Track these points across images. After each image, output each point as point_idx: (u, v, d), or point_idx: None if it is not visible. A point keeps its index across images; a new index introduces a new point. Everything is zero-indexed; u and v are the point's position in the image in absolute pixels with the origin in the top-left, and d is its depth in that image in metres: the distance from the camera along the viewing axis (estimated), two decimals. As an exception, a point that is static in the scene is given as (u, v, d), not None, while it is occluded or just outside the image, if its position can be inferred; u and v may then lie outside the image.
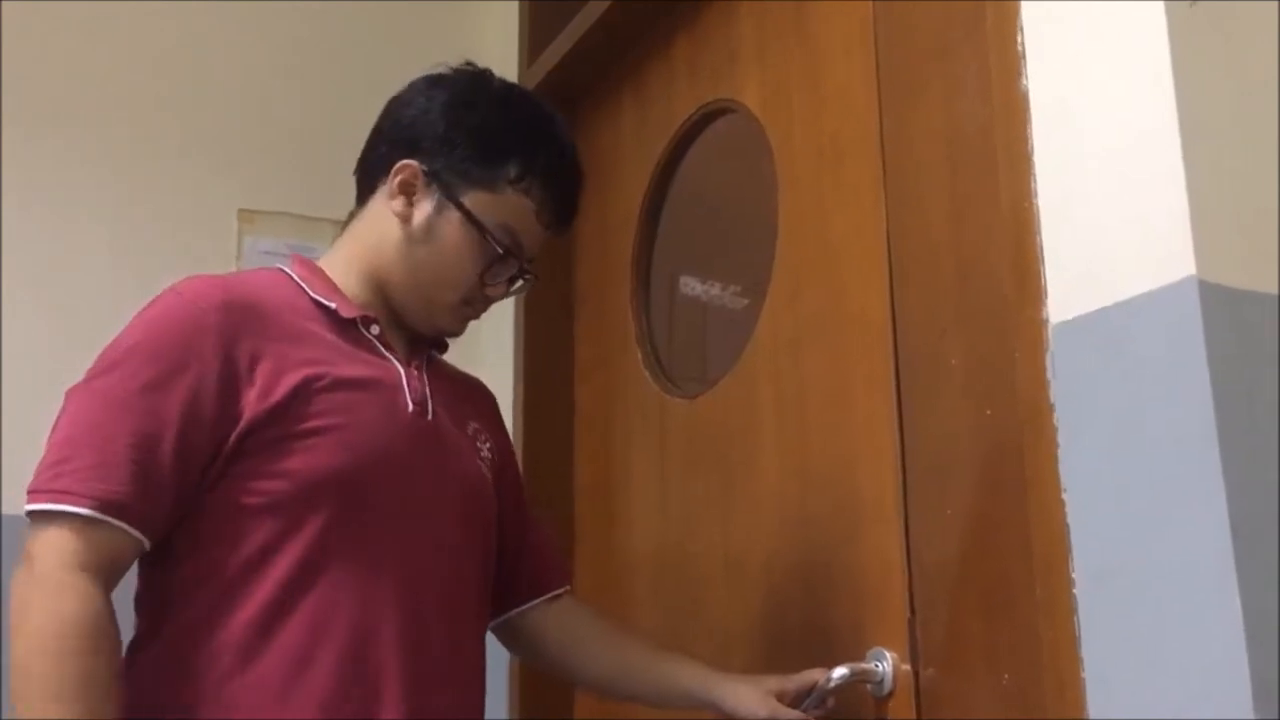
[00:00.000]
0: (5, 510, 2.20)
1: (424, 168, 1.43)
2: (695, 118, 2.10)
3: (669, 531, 2.01)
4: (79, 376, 2.37)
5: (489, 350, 2.62)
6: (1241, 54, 1.19)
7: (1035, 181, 1.28)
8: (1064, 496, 1.20)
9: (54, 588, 1.22)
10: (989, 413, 1.32)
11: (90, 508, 1.25)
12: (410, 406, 1.39)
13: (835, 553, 1.61)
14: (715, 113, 2.07)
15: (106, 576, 1.26)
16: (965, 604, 1.34)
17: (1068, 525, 1.19)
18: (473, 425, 1.51)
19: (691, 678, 1.49)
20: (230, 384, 1.31)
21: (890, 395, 1.49)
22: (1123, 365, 1.15)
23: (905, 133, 1.52)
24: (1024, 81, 1.31)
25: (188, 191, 2.48)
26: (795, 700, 1.43)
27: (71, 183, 2.40)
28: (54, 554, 1.24)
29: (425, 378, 1.44)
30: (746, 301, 1.94)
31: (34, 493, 1.28)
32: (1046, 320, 1.24)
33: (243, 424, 1.30)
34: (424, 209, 1.42)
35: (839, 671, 1.42)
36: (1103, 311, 1.18)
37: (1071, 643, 1.17)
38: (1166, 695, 1.08)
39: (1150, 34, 1.17)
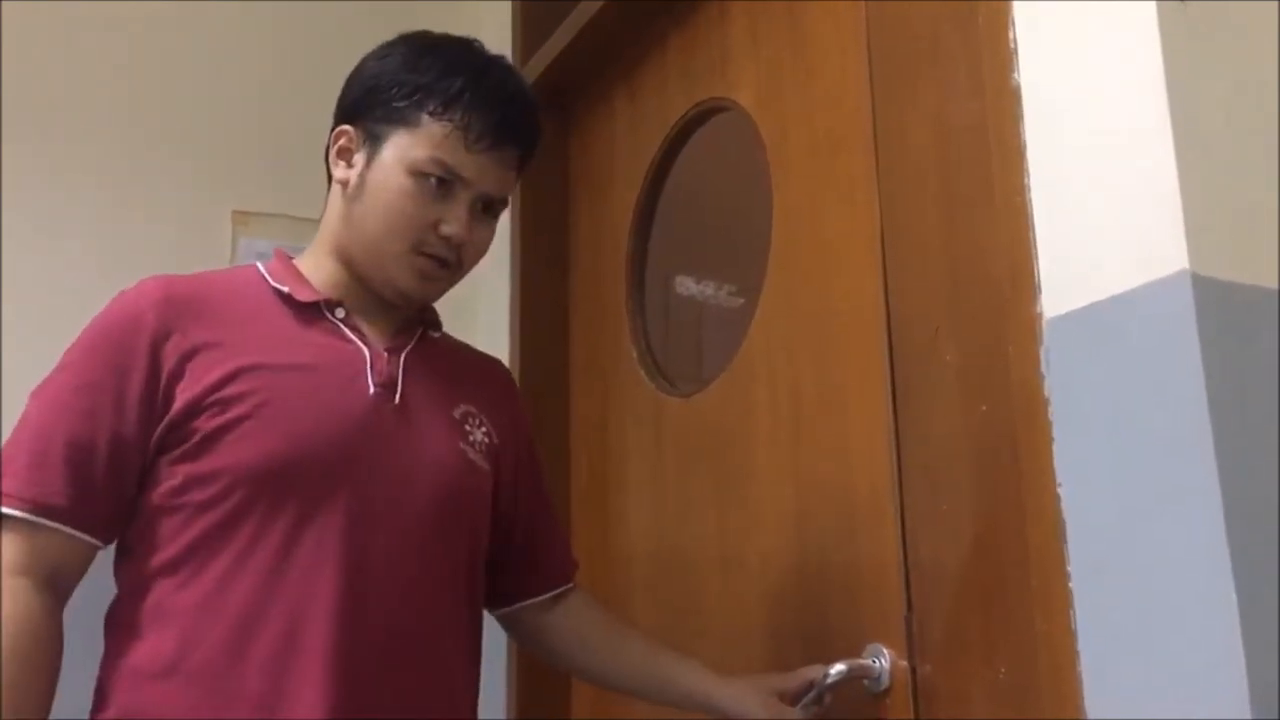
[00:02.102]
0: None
1: (354, 129, 1.41)
2: (689, 116, 2.10)
3: (665, 530, 2.01)
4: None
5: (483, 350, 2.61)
6: (1233, 46, 1.19)
7: (1028, 177, 1.28)
8: (1059, 490, 1.20)
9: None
10: (984, 408, 1.32)
11: (25, 510, 1.26)
12: (372, 389, 1.36)
13: (831, 550, 1.61)
14: (709, 111, 2.07)
15: (47, 579, 1.28)
16: (961, 599, 1.34)
17: (1063, 519, 1.19)
18: (463, 408, 1.46)
19: (691, 679, 1.48)
20: (160, 380, 1.30)
21: (885, 391, 1.49)
22: (1117, 359, 1.15)
23: (898, 129, 1.52)
24: (1016, 77, 1.32)
25: (182, 193, 2.48)
26: (794, 698, 1.43)
27: (67, 184, 2.40)
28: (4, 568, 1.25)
29: (403, 360, 1.41)
30: (742, 301, 1.95)
31: None
32: (1040, 315, 1.24)
33: (170, 417, 1.29)
34: (358, 165, 1.39)
35: (836, 668, 1.42)
36: (1096, 305, 1.18)
37: (1067, 636, 1.17)
38: (1162, 688, 1.08)
39: (1142, 29, 1.17)
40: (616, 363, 2.23)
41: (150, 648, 1.28)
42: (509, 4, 2.65)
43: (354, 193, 1.39)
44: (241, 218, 2.51)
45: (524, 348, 2.43)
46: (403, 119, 1.36)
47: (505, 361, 2.43)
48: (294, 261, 1.45)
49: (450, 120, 1.35)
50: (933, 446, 1.40)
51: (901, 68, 1.52)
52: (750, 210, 1.89)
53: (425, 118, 1.35)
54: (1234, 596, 1.02)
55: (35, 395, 1.34)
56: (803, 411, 1.70)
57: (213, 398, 1.30)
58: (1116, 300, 1.16)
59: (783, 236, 1.79)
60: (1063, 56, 1.27)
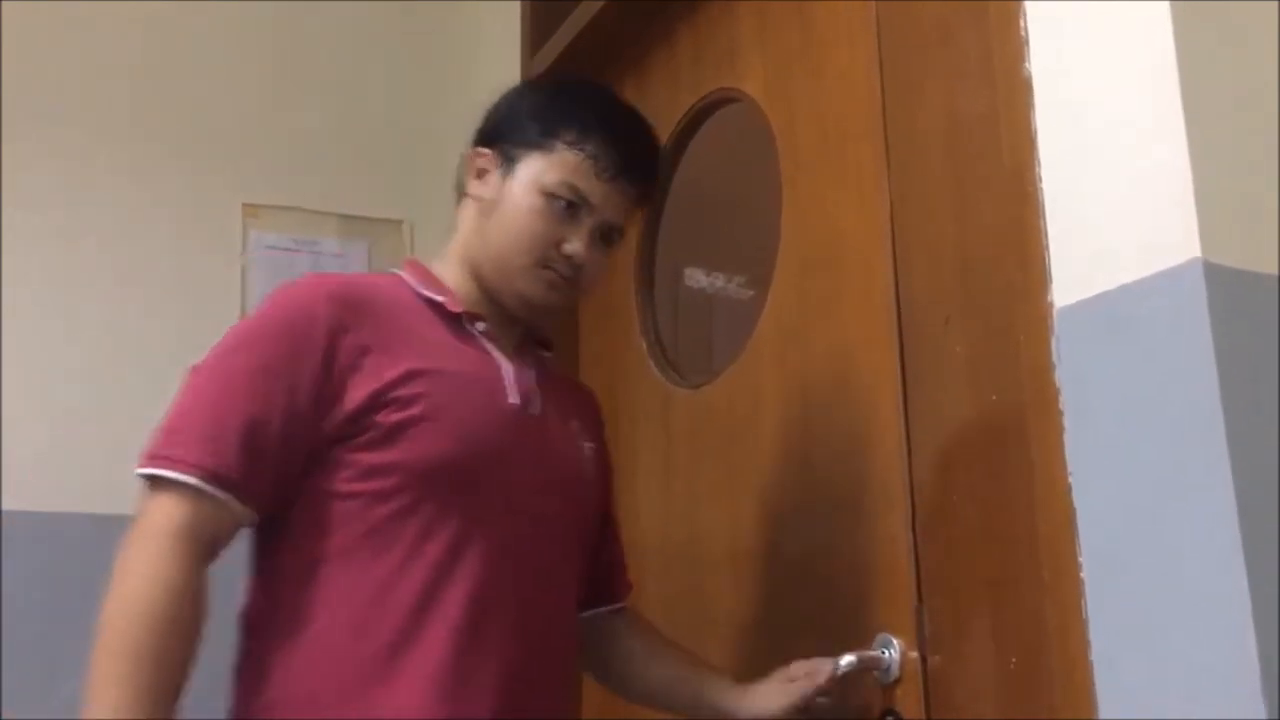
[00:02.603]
0: (5, 506, 2.21)
1: (493, 152, 1.50)
2: (698, 108, 2.10)
3: (675, 521, 2.01)
4: (79, 371, 2.39)
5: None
6: (1245, 35, 1.19)
7: (1039, 166, 1.28)
8: (1070, 480, 1.20)
9: (154, 553, 1.27)
10: (994, 398, 1.32)
11: (199, 478, 1.30)
12: (514, 400, 1.44)
13: (841, 540, 1.61)
14: (717, 103, 2.06)
15: (207, 548, 1.31)
16: (972, 589, 1.34)
17: (1074, 509, 1.19)
18: (574, 423, 1.56)
19: (716, 694, 1.54)
20: (333, 370, 1.35)
21: (895, 382, 1.49)
22: (1128, 348, 1.15)
23: (908, 119, 1.52)
24: (1027, 66, 1.31)
25: (193, 186, 2.49)
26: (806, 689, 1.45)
27: (77, 177, 2.41)
28: (160, 519, 1.29)
29: (533, 375, 1.50)
30: (752, 292, 1.94)
31: (149, 457, 1.32)
32: (1051, 304, 1.24)
33: (350, 409, 1.35)
34: (493, 183, 1.48)
35: (846, 659, 1.42)
36: (1108, 295, 1.17)
37: (1079, 626, 1.17)
38: (1174, 677, 1.08)
39: (1154, 18, 1.16)
40: (626, 355, 2.23)
41: (321, 629, 1.33)
42: (517, 2, 2.65)
43: (488, 208, 1.48)
44: (252, 210, 2.51)
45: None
46: (539, 145, 1.46)
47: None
48: (432, 271, 1.51)
49: (582, 150, 1.45)
50: (943, 436, 1.40)
51: (912, 57, 1.52)
52: (759, 201, 1.89)
53: (560, 145, 1.46)
54: (1245, 584, 1.02)
55: (200, 373, 1.38)
56: (812, 402, 1.70)
57: (392, 394, 1.36)
58: (1128, 289, 1.15)
59: (792, 227, 1.79)
60: (1074, 46, 1.26)
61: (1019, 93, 1.32)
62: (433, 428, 1.36)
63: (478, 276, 1.49)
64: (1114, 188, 1.19)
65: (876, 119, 1.58)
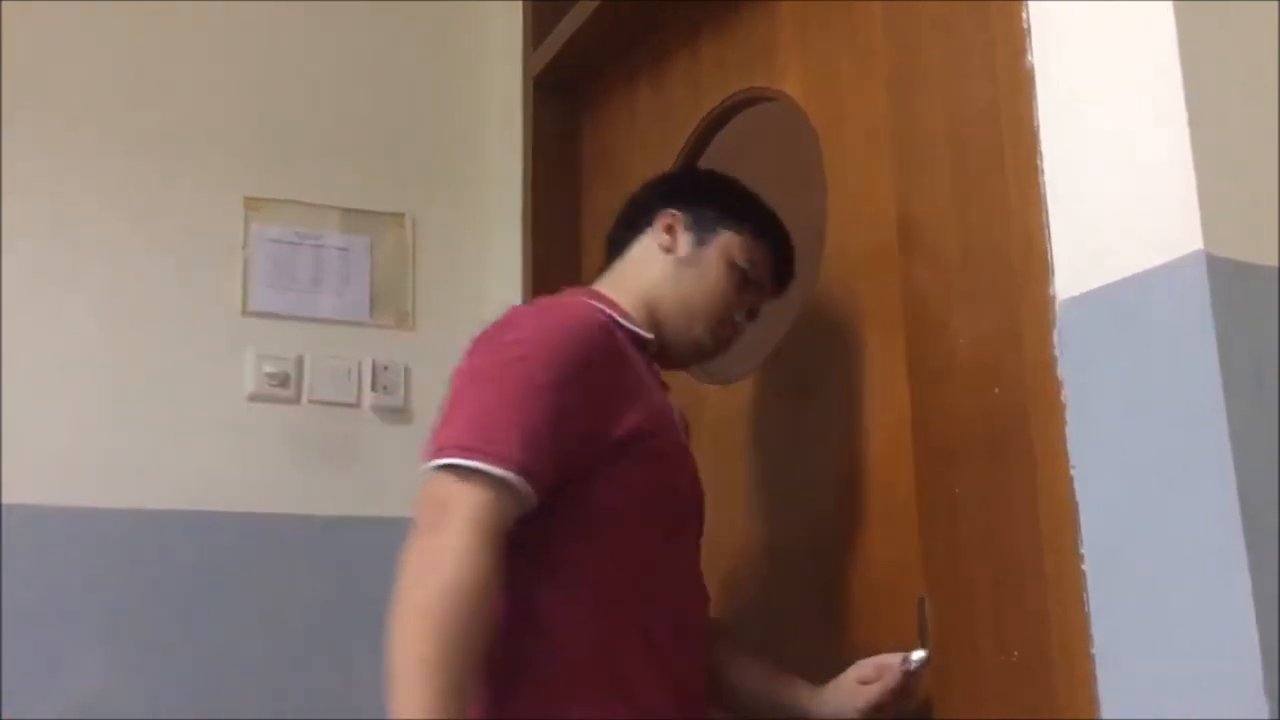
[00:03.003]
0: (5, 500, 2.21)
1: (683, 214, 1.67)
2: (725, 106, 2.09)
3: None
4: (83, 362, 2.37)
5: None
6: (1249, 26, 1.18)
7: (1041, 158, 1.28)
8: (1073, 473, 1.20)
9: (469, 546, 1.30)
10: (997, 390, 1.32)
11: (515, 473, 1.34)
12: (681, 431, 1.61)
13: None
14: (746, 102, 2.06)
15: (501, 541, 1.34)
16: (974, 582, 1.34)
17: (1076, 501, 1.19)
18: None
19: (793, 696, 1.58)
20: (607, 394, 1.46)
21: (902, 374, 1.49)
22: (1131, 340, 1.15)
23: (910, 111, 1.51)
24: (1029, 59, 1.31)
25: (195, 179, 2.48)
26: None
27: (78, 171, 2.40)
28: (470, 512, 1.32)
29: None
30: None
31: (461, 448, 1.35)
32: (1054, 296, 1.24)
33: (619, 433, 1.45)
34: (687, 242, 1.65)
35: (917, 655, 1.42)
36: (1110, 287, 1.17)
37: (1081, 619, 1.17)
38: (1176, 670, 1.08)
39: (1156, 10, 1.16)
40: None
41: (564, 635, 1.41)
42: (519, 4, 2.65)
43: (685, 262, 1.65)
44: (253, 204, 2.51)
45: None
46: (734, 226, 1.66)
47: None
48: (620, 304, 1.61)
49: (765, 242, 1.67)
50: (946, 429, 1.40)
51: (914, 51, 1.52)
52: (793, 201, 1.88)
53: (751, 231, 1.66)
54: (1247, 578, 1.02)
55: (494, 372, 1.43)
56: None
57: (648, 424, 1.49)
58: (1130, 281, 1.15)
59: (839, 225, 1.80)
60: (1076, 38, 1.26)
61: (1021, 86, 1.31)
62: (667, 456, 1.52)
63: (653, 315, 1.62)
64: (1116, 180, 1.19)
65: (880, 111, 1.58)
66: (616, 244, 1.71)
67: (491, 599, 1.30)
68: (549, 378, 1.40)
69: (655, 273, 1.65)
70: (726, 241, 1.64)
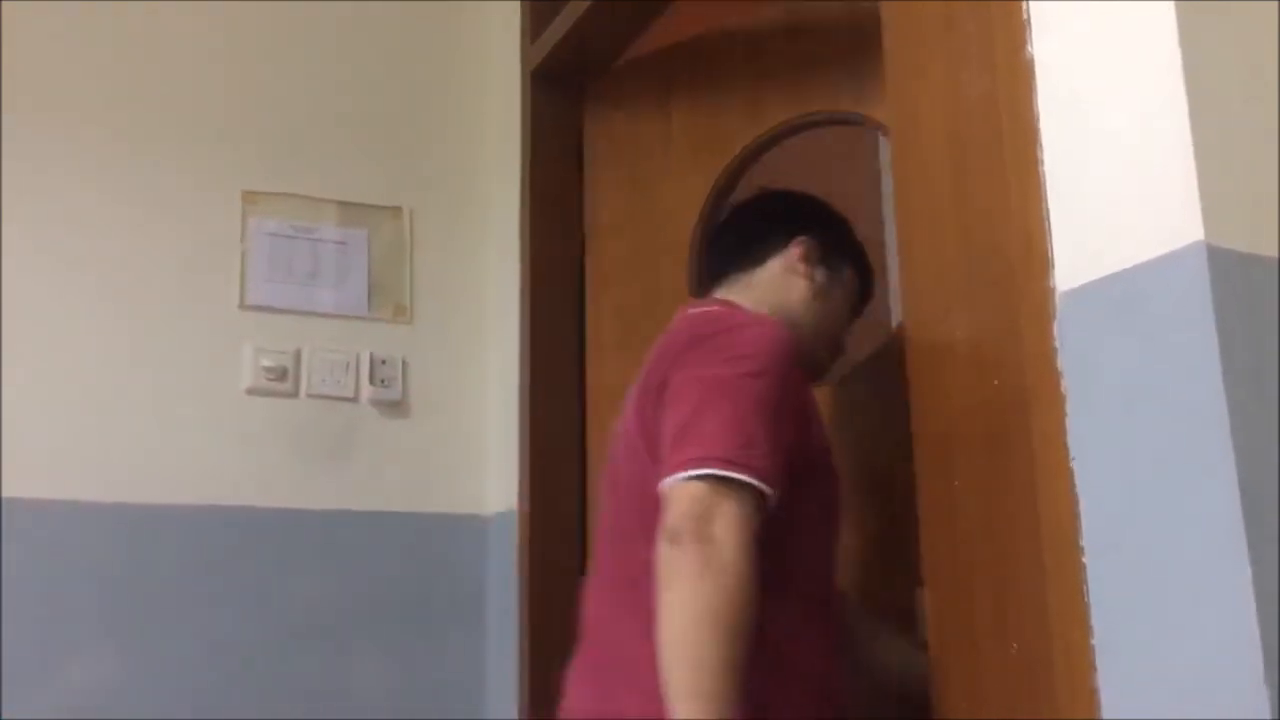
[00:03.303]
0: (5, 494, 2.21)
1: (813, 241, 1.78)
2: (790, 128, 2.11)
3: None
4: (81, 356, 2.36)
5: (493, 341, 2.62)
6: (1249, 17, 1.18)
7: (1041, 149, 1.27)
8: (1072, 465, 1.19)
9: (737, 559, 1.34)
10: (996, 382, 1.32)
11: (769, 484, 1.39)
12: None
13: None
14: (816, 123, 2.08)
15: (757, 550, 1.37)
16: (973, 574, 1.34)
17: (1076, 494, 1.19)
18: None
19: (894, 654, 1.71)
20: (807, 415, 1.55)
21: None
22: (1131, 333, 1.15)
23: (910, 103, 1.51)
24: (1029, 50, 1.31)
25: (193, 173, 2.48)
26: None
27: (76, 166, 2.41)
28: (736, 521, 1.35)
29: None
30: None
31: (724, 460, 1.38)
32: (1053, 288, 1.24)
33: (814, 449, 1.54)
34: (822, 274, 1.78)
35: None
36: (1110, 278, 1.17)
37: (1080, 611, 1.17)
38: (1176, 662, 1.07)
39: (1157, 2, 1.16)
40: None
41: (801, 620, 1.50)
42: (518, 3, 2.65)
43: (821, 292, 1.78)
44: (251, 197, 2.51)
45: (535, 327, 2.43)
46: (854, 264, 1.83)
47: (514, 349, 2.46)
48: None
49: (868, 278, 1.86)
50: (945, 421, 1.40)
51: (914, 42, 1.51)
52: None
53: (861, 269, 1.84)
54: (1248, 570, 1.02)
55: (732, 384, 1.46)
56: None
57: (825, 440, 1.59)
58: (1130, 273, 1.15)
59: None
60: (1076, 29, 1.25)
61: (1021, 77, 1.31)
62: (831, 469, 1.59)
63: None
64: (1116, 171, 1.18)
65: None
66: (733, 255, 1.80)
67: (754, 609, 1.34)
68: (780, 394, 1.46)
69: (795, 298, 1.75)
70: (849, 277, 1.81)
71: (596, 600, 1.57)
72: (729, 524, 1.34)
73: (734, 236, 1.84)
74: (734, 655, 1.30)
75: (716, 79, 2.30)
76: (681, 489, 1.37)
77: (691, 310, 1.68)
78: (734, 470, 1.36)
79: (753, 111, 2.17)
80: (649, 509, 1.41)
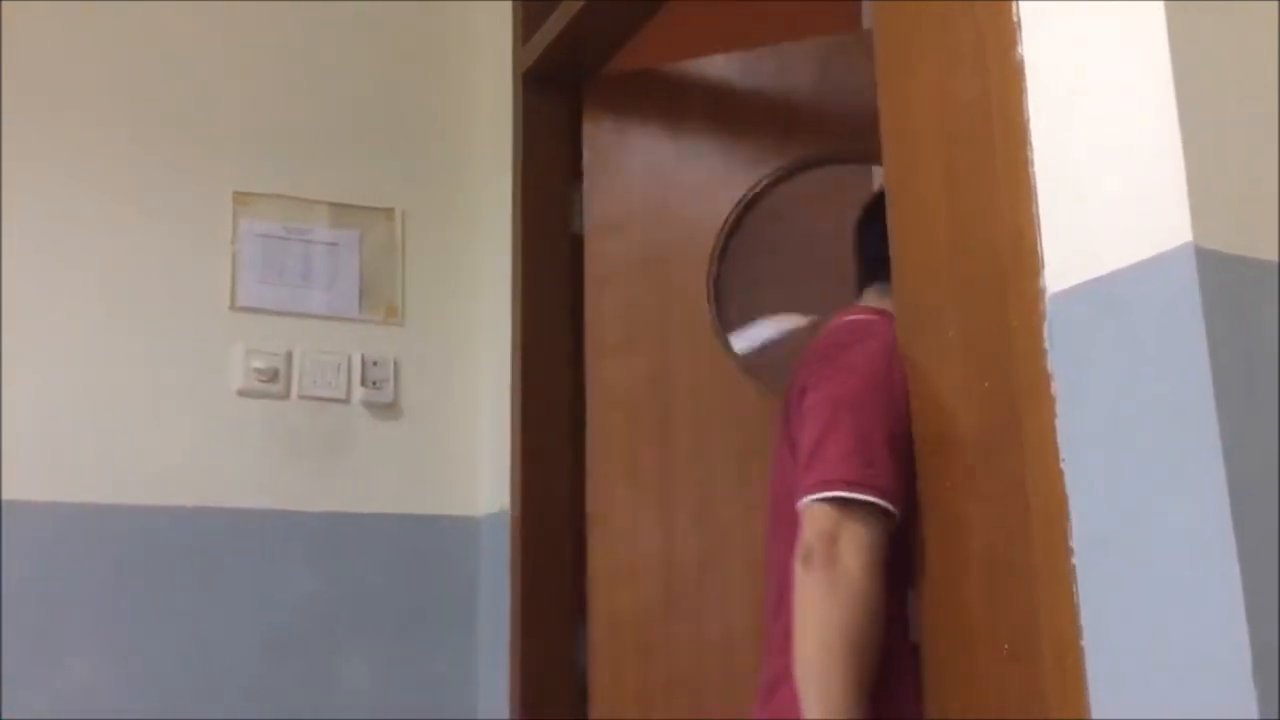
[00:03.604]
0: (5, 496, 2.21)
1: None
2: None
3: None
4: (72, 357, 2.35)
5: (487, 344, 2.62)
6: (1239, 18, 1.18)
7: (1031, 150, 1.28)
8: (1062, 465, 1.20)
9: (870, 582, 1.41)
10: (986, 384, 1.32)
11: (892, 503, 1.43)
12: None
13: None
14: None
15: (884, 568, 1.43)
16: (965, 574, 1.34)
17: (1066, 494, 1.19)
18: None
19: None
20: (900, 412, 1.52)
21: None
22: (1120, 334, 1.15)
23: (900, 103, 1.51)
24: (1019, 51, 1.31)
25: (184, 174, 2.48)
26: None
27: (68, 166, 2.41)
28: (860, 546, 1.42)
29: None
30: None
31: (852, 483, 1.43)
32: (1043, 289, 1.24)
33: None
34: None
35: None
36: (1100, 280, 1.17)
37: (1071, 611, 1.17)
38: (1166, 663, 1.08)
39: (1146, 2, 1.16)
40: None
41: (902, 631, 1.48)
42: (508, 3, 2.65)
43: None
44: (242, 198, 2.50)
45: (525, 328, 2.43)
46: None
47: (506, 350, 2.47)
48: None
49: None
50: (936, 422, 1.40)
51: (905, 42, 1.51)
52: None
53: None
54: (1237, 570, 1.02)
55: (849, 400, 1.49)
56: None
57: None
58: (1120, 274, 1.15)
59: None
60: (1067, 30, 1.26)
61: (1011, 77, 1.31)
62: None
63: None
64: (1106, 173, 1.18)
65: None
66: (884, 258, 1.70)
67: (871, 633, 1.40)
68: (897, 411, 1.46)
69: None
70: None
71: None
72: (854, 545, 1.41)
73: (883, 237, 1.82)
74: (861, 674, 1.39)
75: (733, 92, 2.31)
76: (811, 511, 1.45)
77: (841, 319, 1.70)
78: (857, 491, 1.42)
79: (784, 129, 2.19)
80: (794, 516, 1.48)
